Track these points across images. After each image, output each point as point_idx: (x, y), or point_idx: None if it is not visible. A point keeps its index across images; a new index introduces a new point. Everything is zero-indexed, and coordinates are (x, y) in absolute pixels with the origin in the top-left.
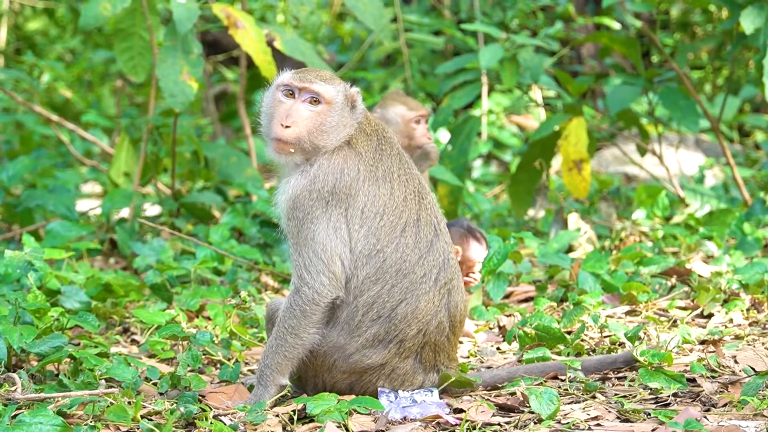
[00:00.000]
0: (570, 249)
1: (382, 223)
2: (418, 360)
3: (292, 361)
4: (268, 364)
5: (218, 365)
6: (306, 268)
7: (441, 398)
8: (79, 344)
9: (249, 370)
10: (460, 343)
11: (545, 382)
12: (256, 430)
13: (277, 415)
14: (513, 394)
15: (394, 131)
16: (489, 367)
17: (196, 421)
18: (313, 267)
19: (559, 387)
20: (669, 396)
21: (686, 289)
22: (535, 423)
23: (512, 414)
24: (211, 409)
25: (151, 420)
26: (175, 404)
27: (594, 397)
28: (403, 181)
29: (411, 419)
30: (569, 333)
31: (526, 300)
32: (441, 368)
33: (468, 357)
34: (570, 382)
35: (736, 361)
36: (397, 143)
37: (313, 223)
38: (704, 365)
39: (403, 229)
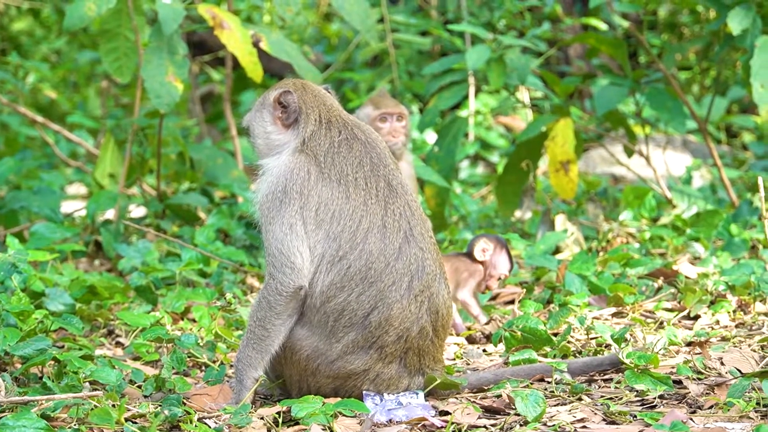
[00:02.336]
0: (557, 250)
1: (341, 228)
2: (403, 364)
3: (262, 355)
4: (240, 359)
5: (203, 368)
6: (273, 265)
7: (426, 400)
8: (63, 347)
9: (234, 373)
10: (447, 345)
11: (531, 384)
12: None
13: (262, 418)
14: (499, 396)
15: None
16: (475, 369)
17: (180, 423)
18: (278, 261)
19: (545, 389)
20: (655, 398)
21: (673, 290)
22: (521, 425)
23: (498, 416)
24: (196, 412)
25: (136, 423)
26: (159, 407)
27: (580, 399)
28: (362, 185)
29: (396, 422)
30: (556, 335)
31: (513, 302)
32: (426, 371)
33: (454, 359)
34: (556, 384)
35: (722, 363)
36: (366, 144)
37: (272, 224)
38: (690, 367)
39: (365, 236)
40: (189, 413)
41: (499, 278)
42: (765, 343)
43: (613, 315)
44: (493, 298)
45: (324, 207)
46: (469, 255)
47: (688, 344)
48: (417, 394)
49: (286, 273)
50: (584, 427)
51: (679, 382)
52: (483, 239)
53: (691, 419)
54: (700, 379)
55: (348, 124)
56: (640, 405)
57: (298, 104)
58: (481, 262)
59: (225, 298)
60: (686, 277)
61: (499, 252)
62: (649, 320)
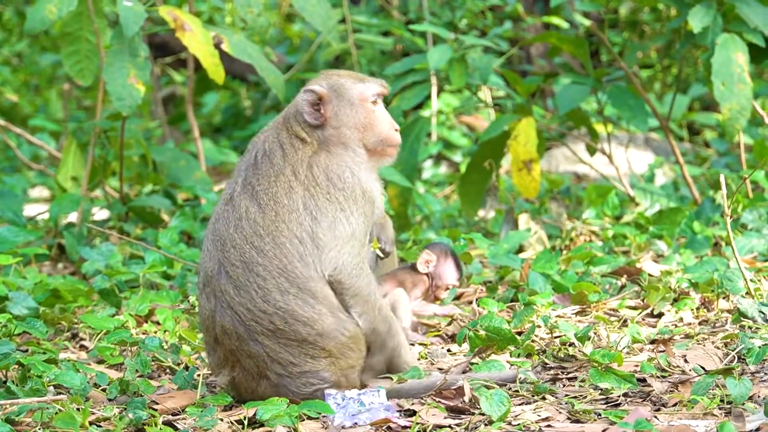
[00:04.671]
0: (520, 249)
1: None
2: (241, 368)
3: None
4: None
5: (167, 370)
6: None
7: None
8: (27, 351)
9: (198, 375)
10: (411, 346)
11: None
12: None
13: (227, 420)
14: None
15: None
16: (440, 369)
17: (145, 426)
18: None
19: (510, 388)
20: (619, 396)
21: (636, 288)
22: (485, 425)
23: (463, 416)
24: (161, 415)
25: (100, 426)
26: (124, 410)
27: (544, 398)
28: (221, 201)
29: (361, 424)
30: (520, 334)
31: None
32: (271, 376)
33: (419, 359)
34: (520, 383)
35: (686, 361)
36: (252, 158)
37: None
38: (654, 365)
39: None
40: (154, 416)
41: (447, 288)
42: (728, 340)
43: (577, 313)
44: (457, 297)
45: None
46: (413, 267)
47: (652, 342)
48: (378, 391)
49: None
50: (549, 426)
51: (643, 380)
52: (426, 251)
53: (656, 417)
54: (664, 376)
55: (258, 143)
56: (605, 403)
57: None
58: (426, 274)
59: (189, 301)
60: (649, 275)
61: (444, 262)
62: (612, 318)
